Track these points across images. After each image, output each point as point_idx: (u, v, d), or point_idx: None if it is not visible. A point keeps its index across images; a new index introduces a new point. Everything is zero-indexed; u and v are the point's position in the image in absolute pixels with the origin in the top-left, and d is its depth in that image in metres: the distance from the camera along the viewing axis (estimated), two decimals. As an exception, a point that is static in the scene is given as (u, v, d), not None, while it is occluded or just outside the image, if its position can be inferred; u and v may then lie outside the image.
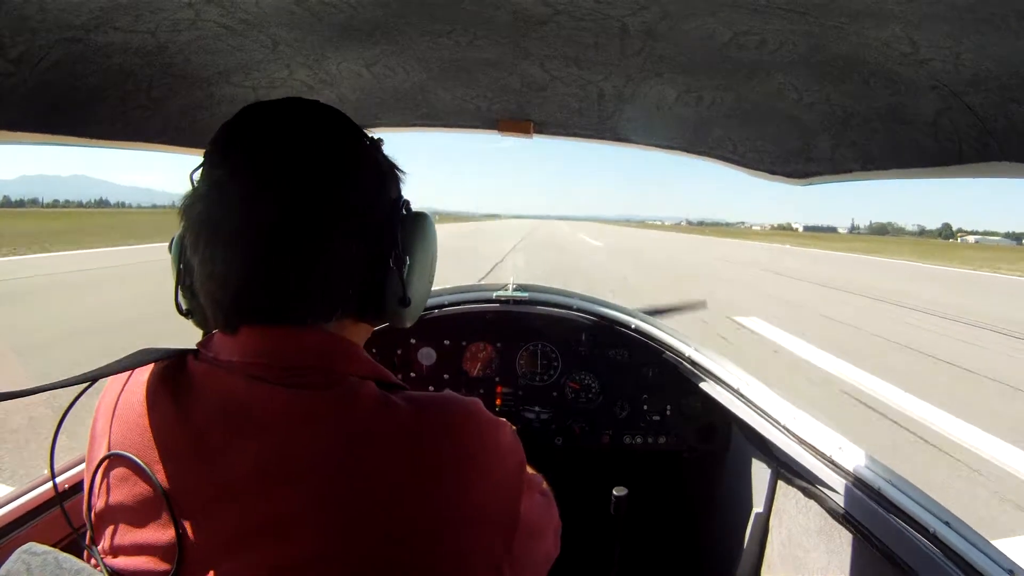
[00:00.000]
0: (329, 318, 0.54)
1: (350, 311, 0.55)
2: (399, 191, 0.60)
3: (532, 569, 0.57)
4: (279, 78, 0.90)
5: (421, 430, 0.49)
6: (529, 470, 0.60)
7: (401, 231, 0.56)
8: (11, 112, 0.64)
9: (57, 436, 0.57)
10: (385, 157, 0.59)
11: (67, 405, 0.57)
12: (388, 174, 0.58)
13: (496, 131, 1.21)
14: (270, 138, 0.51)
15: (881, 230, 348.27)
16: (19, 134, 0.67)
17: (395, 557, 0.45)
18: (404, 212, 0.58)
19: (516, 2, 0.64)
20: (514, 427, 1.25)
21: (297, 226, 0.49)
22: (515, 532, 0.52)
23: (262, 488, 0.46)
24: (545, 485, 0.66)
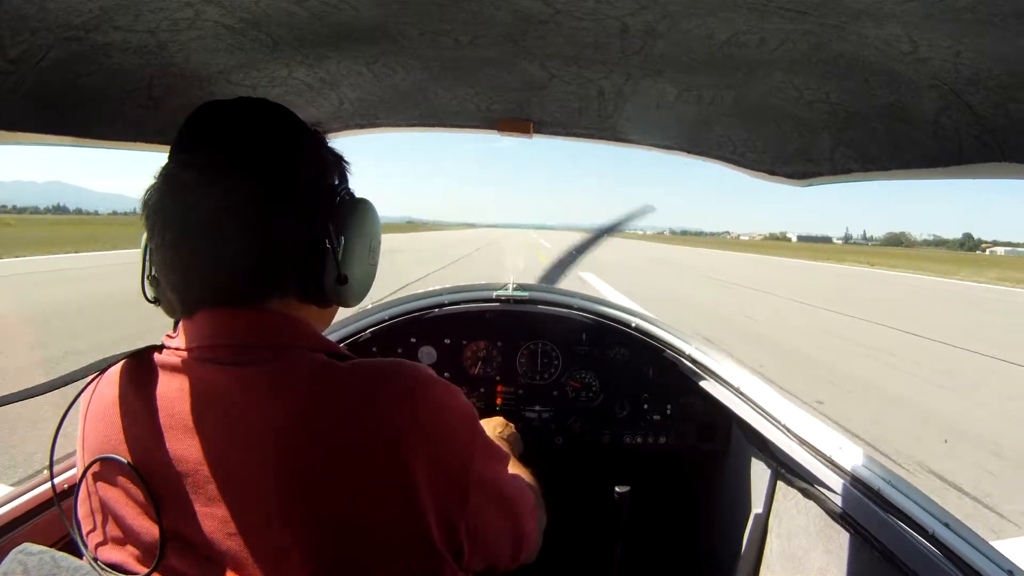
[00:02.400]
0: (269, 298, 0.56)
1: (291, 291, 0.58)
2: (343, 180, 0.63)
3: (493, 539, 0.59)
4: (279, 77, 0.90)
5: (366, 393, 0.51)
6: (494, 439, 0.61)
7: (338, 215, 0.59)
8: (11, 112, 0.64)
9: (56, 438, 0.57)
10: (328, 149, 0.62)
11: (64, 409, 0.58)
12: (329, 164, 0.61)
13: (496, 131, 1.21)
14: (214, 133, 0.56)
15: (895, 240, 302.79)
16: (19, 134, 0.67)
17: (348, 517, 0.48)
18: (345, 199, 0.61)
19: (516, 1, 0.64)
20: (512, 424, 1.24)
21: (235, 211, 0.52)
22: (468, 494, 0.54)
23: (223, 465, 0.49)
24: (512, 459, 0.67)
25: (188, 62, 0.77)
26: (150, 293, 0.61)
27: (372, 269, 0.66)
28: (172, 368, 0.54)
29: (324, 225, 0.58)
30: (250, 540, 0.47)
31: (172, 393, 0.52)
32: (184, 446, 0.50)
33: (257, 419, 0.50)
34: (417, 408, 0.52)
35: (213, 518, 0.48)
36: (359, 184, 0.66)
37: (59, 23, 0.59)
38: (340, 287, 0.59)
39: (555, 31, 0.72)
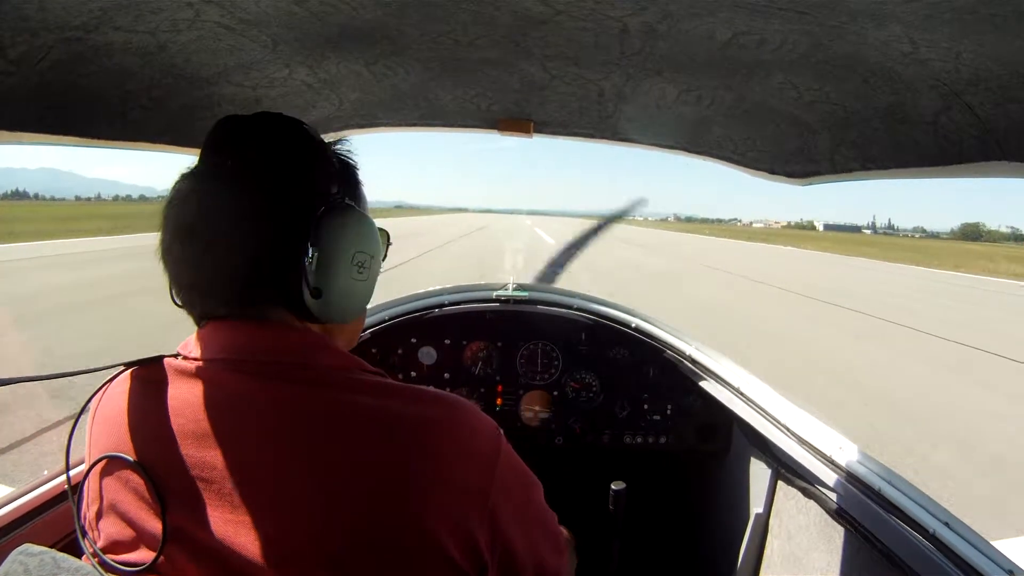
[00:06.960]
0: (265, 312, 0.56)
1: (281, 305, 0.57)
2: (347, 188, 0.62)
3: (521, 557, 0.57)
4: (279, 78, 0.90)
5: (399, 414, 0.52)
6: (515, 465, 0.60)
7: (318, 225, 0.56)
8: (11, 112, 0.64)
9: (72, 435, 0.58)
10: (333, 161, 0.61)
11: (82, 405, 0.59)
12: (330, 174, 0.60)
13: (496, 131, 1.21)
14: (219, 147, 0.57)
15: (971, 233, 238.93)
16: (19, 134, 0.67)
17: (368, 531, 0.48)
18: (333, 207, 0.57)
19: (516, 2, 0.64)
20: (511, 426, 1.22)
21: (225, 222, 0.53)
22: (491, 511, 0.53)
23: (242, 471, 0.49)
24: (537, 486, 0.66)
25: (188, 63, 0.77)
26: (178, 298, 0.60)
27: (360, 284, 0.61)
28: (194, 375, 0.54)
29: (304, 235, 0.55)
30: (264, 546, 0.47)
31: (195, 399, 0.52)
32: (206, 451, 0.50)
33: (287, 431, 0.50)
34: (444, 433, 0.52)
35: (226, 521, 0.48)
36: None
37: (59, 23, 0.59)
38: (317, 301, 0.56)
39: (555, 31, 0.72)
